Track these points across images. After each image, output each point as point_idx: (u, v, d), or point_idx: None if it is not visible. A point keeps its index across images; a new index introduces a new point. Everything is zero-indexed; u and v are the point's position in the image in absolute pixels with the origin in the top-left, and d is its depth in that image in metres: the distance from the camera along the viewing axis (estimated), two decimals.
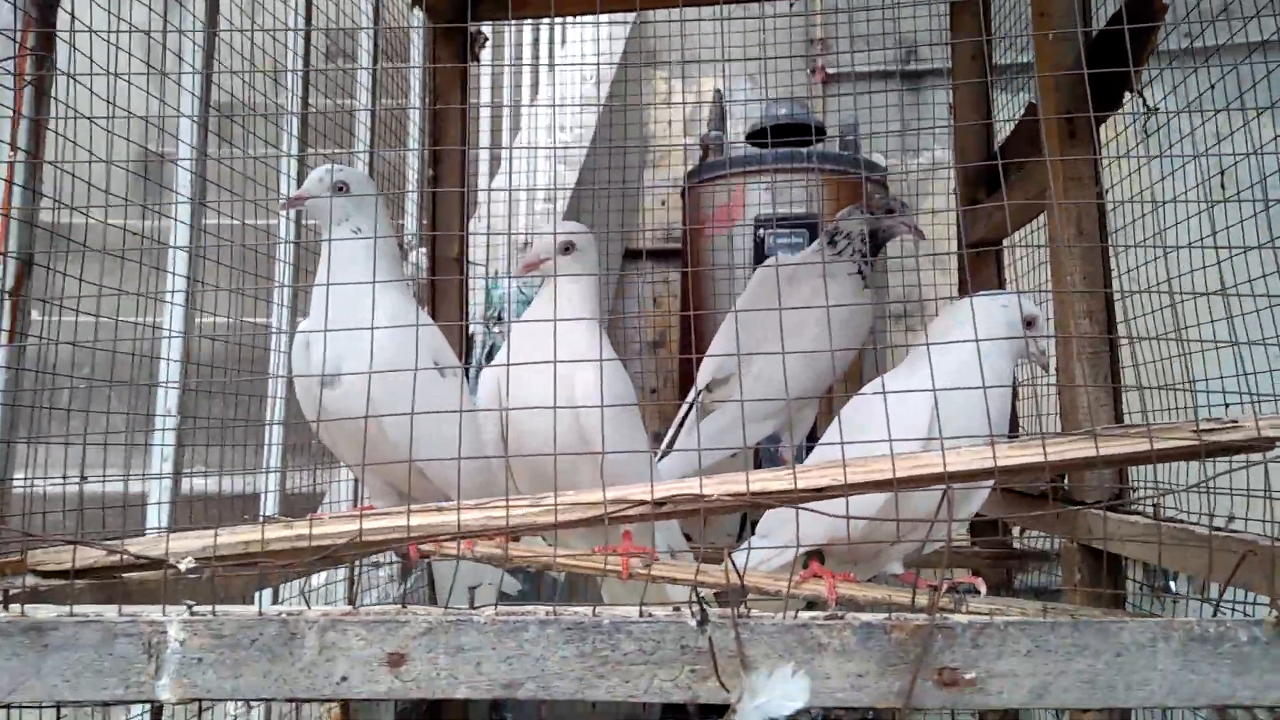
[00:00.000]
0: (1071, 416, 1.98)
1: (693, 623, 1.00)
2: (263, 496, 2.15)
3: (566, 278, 1.65)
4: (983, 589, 1.65)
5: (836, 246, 2.32)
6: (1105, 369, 1.99)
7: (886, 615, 1.03)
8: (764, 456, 2.56)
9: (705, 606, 1.00)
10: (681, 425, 2.27)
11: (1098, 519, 1.86)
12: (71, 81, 1.37)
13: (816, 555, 1.66)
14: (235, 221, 1.95)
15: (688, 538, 2.00)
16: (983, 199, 2.60)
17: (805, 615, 1.03)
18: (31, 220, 1.37)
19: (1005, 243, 2.67)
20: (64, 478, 1.36)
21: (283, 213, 2.03)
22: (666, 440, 2.24)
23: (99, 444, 1.44)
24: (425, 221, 2.65)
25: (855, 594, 1.59)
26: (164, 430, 1.74)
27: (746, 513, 2.30)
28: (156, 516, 1.81)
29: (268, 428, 2.11)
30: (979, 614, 1.03)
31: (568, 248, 1.65)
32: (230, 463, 1.96)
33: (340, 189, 1.70)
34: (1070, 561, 2.06)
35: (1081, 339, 2.02)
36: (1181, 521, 1.65)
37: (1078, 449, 1.24)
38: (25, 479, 1.36)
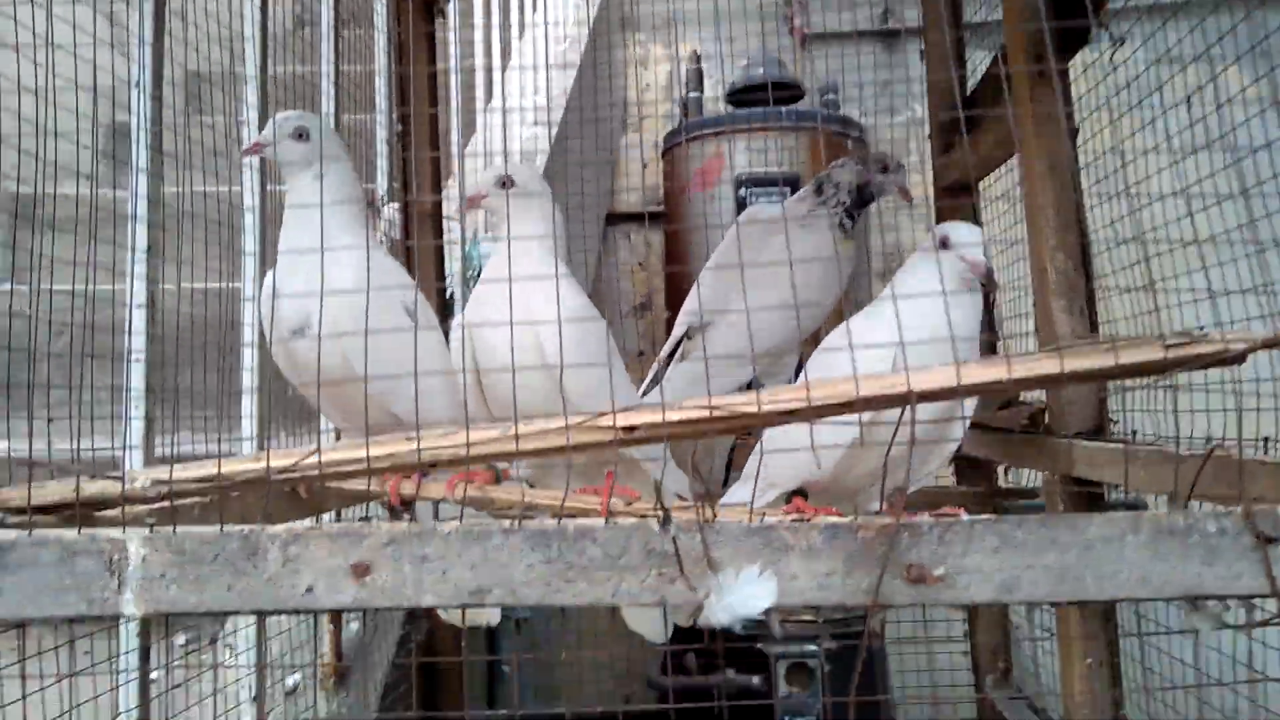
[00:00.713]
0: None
1: (657, 527, 0.99)
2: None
3: (517, 214, 1.62)
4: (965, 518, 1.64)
5: (822, 195, 2.27)
6: (1081, 301, 1.99)
7: (852, 516, 1.02)
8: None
9: (668, 510, 0.99)
10: (663, 371, 2.26)
11: (1078, 449, 1.86)
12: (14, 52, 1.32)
13: (799, 491, 1.65)
14: (196, 189, 1.91)
15: None
16: (956, 143, 2.59)
17: (770, 519, 1.03)
18: None
19: (982, 185, 2.67)
20: (29, 450, 1.34)
21: (244, 162, 2.00)
22: (644, 387, 2.23)
23: (63, 418, 1.41)
24: (395, 182, 2.62)
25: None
26: (130, 414, 1.70)
27: (731, 457, 2.30)
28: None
29: (242, 394, 2.07)
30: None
31: (504, 182, 1.63)
32: (205, 430, 1.94)
33: (300, 135, 1.67)
34: (1052, 494, 2.07)
35: (1057, 274, 2.02)
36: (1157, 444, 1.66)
37: (1043, 365, 1.22)
38: None
